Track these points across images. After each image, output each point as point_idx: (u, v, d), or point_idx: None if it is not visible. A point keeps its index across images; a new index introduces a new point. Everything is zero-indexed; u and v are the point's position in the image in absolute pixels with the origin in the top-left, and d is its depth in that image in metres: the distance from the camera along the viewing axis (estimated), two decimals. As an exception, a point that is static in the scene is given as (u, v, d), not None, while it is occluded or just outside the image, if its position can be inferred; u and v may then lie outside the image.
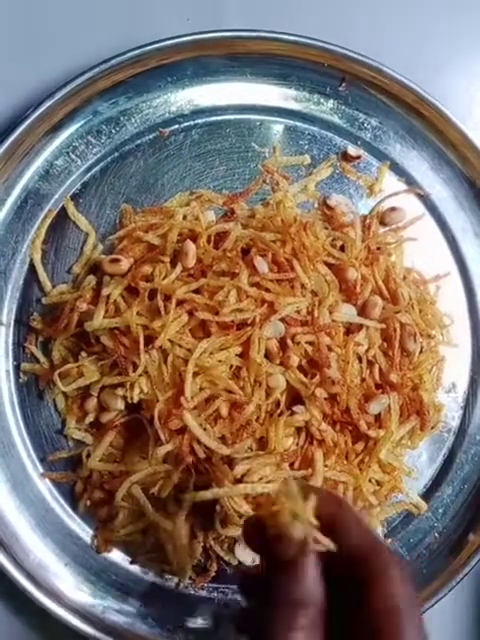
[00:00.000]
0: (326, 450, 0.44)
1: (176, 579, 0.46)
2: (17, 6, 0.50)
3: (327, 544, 0.28)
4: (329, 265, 0.47)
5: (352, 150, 0.51)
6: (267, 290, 0.44)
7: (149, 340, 0.42)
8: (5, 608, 0.47)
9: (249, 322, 0.43)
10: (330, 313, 0.45)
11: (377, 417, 0.46)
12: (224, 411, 0.42)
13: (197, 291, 0.43)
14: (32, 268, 0.47)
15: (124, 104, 0.48)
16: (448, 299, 0.51)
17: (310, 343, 0.44)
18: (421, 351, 0.48)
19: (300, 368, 0.44)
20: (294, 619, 0.28)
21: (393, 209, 0.50)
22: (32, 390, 0.47)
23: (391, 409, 0.45)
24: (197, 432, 0.41)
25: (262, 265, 0.44)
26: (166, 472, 0.43)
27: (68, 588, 0.45)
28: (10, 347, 0.47)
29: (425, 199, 0.52)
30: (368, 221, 0.50)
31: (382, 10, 0.54)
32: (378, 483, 0.47)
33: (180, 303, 0.43)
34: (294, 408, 0.44)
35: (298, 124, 0.51)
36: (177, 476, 0.43)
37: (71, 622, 0.44)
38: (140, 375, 0.42)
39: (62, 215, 0.48)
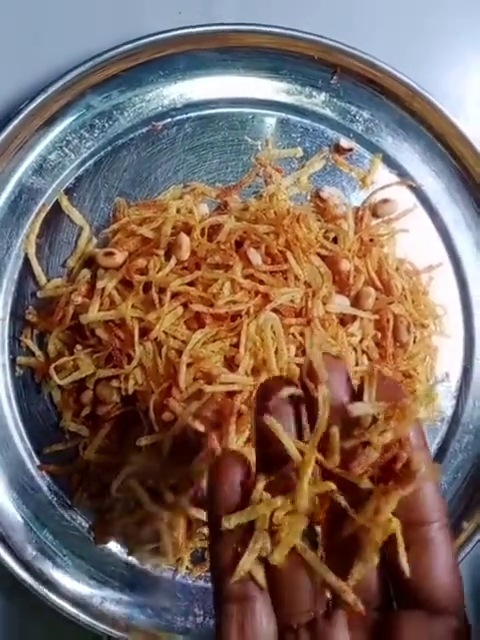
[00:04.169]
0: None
1: (174, 569, 0.47)
2: (9, 1, 0.50)
3: None
4: (322, 257, 0.47)
5: (344, 142, 0.51)
6: (261, 282, 0.44)
7: (144, 332, 0.43)
8: (3, 599, 0.47)
9: (243, 313, 0.43)
10: (324, 304, 0.45)
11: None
12: (219, 397, 0.42)
13: (191, 283, 0.43)
14: (27, 262, 0.47)
15: (117, 98, 0.49)
16: (441, 290, 0.51)
17: (304, 334, 0.44)
18: (414, 341, 0.48)
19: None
20: None
21: (385, 201, 0.50)
22: (28, 383, 0.47)
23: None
24: (185, 418, 0.41)
25: (256, 257, 0.44)
26: (162, 463, 0.43)
27: (66, 579, 0.45)
28: (6, 340, 0.47)
29: (417, 191, 0.52)
30: (360, 213, 0.50)
31: (374, 3, 0.54)
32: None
33: (175, 295, 0.43)
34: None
35: (290, 117, 0.51)
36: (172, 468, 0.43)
37: (70, 613, 0.44)
38: (135, 367, 0.43)
39: (56, 209, 0.48)
